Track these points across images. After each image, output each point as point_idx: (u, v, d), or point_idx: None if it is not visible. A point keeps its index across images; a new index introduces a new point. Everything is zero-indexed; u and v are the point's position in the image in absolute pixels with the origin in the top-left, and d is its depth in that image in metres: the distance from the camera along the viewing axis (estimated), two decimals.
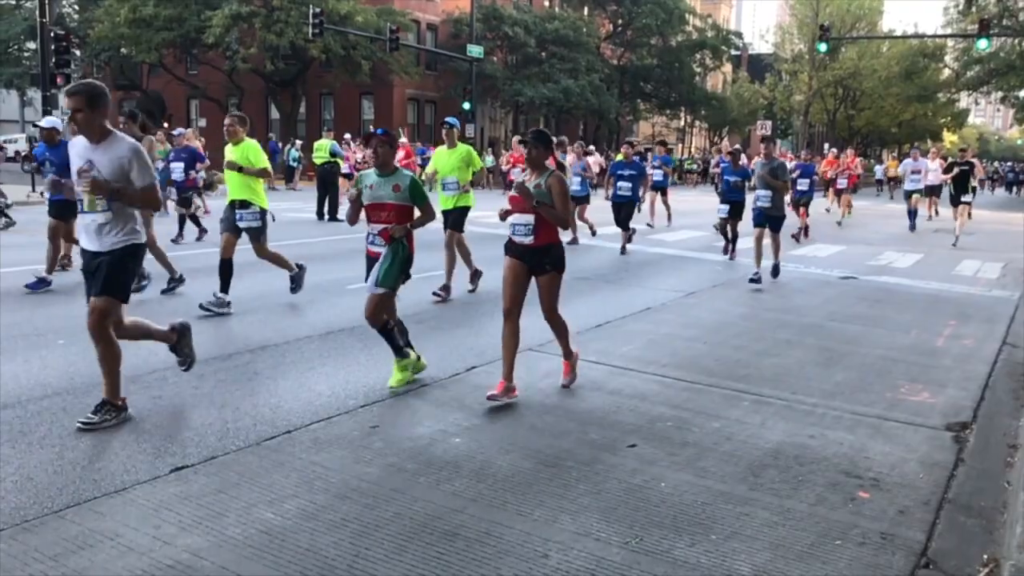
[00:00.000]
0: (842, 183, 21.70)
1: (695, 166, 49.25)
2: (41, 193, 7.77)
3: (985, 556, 3.62)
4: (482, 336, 7.41)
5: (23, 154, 34.31)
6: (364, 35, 34.80)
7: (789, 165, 18.06)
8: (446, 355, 6.69)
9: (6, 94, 48.57)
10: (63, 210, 8.62)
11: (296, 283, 8.69)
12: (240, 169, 8.03)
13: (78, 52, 37.91)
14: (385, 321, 5.67)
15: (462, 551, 3.51)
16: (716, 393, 5.92)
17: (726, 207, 12.99)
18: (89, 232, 4.81)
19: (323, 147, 19.07)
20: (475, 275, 9.57)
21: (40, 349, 6.39)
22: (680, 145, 64.08)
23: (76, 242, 8.82)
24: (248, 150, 8.18)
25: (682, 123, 61.91)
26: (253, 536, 3.58)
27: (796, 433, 5.14)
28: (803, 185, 16.66)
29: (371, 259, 5.69)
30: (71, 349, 6.28)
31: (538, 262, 5.51)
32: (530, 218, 5.42)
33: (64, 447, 4.51)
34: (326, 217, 17.72)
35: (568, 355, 5.92)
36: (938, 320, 9.04)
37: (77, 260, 8.43)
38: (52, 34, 24.01)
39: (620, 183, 13.77)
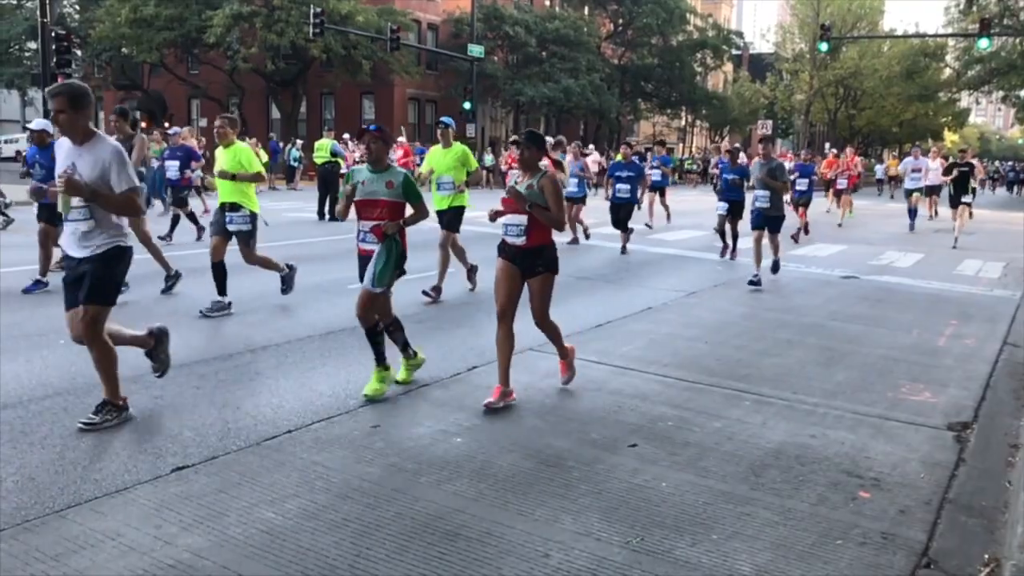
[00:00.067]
0: (842, 184, 21.42)
1: (695, 166, 49.24)
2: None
3: (986, 556, 3.62)
4: (483, 336, 7.40)
5: (24, 154, 34.31)
6: (365, 35, 34.81)
7: (788, 165, 18.05)
8: (447, 355, 6.69)
9: (7, 94, 48.64)
10: (53, 214, 8.60)
11: (287, 284, 8.57)
12: (234, 177, 7.92)
13: (79, 52, 37.89)
14: (375, 323, 5.58)
15: (463, 551, 3.51)
16: (717, 393, 5.92)
17: (725, 205, 12.93)
18: (73, 239, 4.71)
19: (324, 147, 19.08)
20: (471, 271, 9.51)
21: (41, 349, 6.39)
22: (681, 145, 64.08)
23: None
24: (241, 154, 8.08)
25: (683, 123, 61.88)
26: (254, 536, 3.58)
27: (797, 433, 5.14)
28: (802, 185, 16.60)
29: (363, 258, 5.54)
30: (72, 349, 6.26)
31: (530, 264, 5.46)
32: (523, 219, 5.38)
33: (65, 447, 4.51)
34: (327, 217, 17.71)
35: (564, 354, 5.88)
36: (939, 320, 9.03)
37: None
38: (53, 34, 24.03)
39: (618, 184, 13.74)
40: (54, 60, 23.67)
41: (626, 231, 13.70)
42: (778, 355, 7.14)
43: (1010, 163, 63.42)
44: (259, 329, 7.44)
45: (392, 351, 5.81)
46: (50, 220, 8.73)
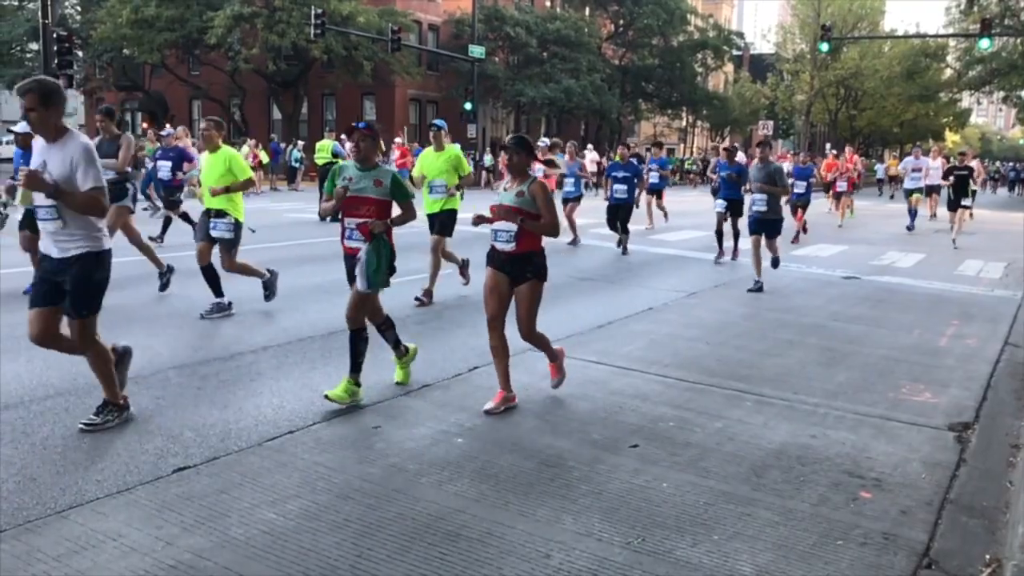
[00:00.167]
0: (841, 186, 21.13)
1: (695, 166, 49.21)
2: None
3: (987, 556, 3.62)
4: (483, 336, 7.34)
5: None
6: (366, 36, 34.82)
7: (787, 166, 17.98)
8: (448, 355, 6.69)
9: (8, 95, 48.62)
10: (35, 222, 8.49)
11: (269, 290, 8.34)
12: (227, 190, 7.78)
13: (80, 53, 38.00)
14: (363, 326, 5.47)
15: (464, 551, 3.52)
16: (718, 393, 5.92)
17: (723, 203, 12.86)
18: (49, 239, 4.63)
19: (325, 147, 19.09)
20: (463, 267, 9.39)
21: (43, 349, 6.38)
22: (682, 145, 64.07)
23: None
24: (230, 161, 7.87)
25: (684, 123, 61.87)
26: (255, 536, 3.58)
27: (798, 433, 5.14)
28: (800, 188, 16.43)
29: (348, 257, 5.42)
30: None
31: (519, 270, 5.34)
32: (513, 224, 5.27)
33: (67, 447, 4.51)
34: (328, 218, 17.69)
35: (553, 357, 5.74)
36: (941, 320, 9.03)
37: None
38: (54, 35, 24.06)
39: (616, 185, 13.70)
40: (55, 61, 23.69)
41: (625, 232, 13.68)
42: (779, 355, 7.14)
43: (1011, 163, 63.35)
44: (260, 329, 7.44)
45: (385, 353, 5.81)
46: (32, 227, 8.64)
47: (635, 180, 13.94)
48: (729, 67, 63.36)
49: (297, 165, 30.02)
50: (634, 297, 9.75)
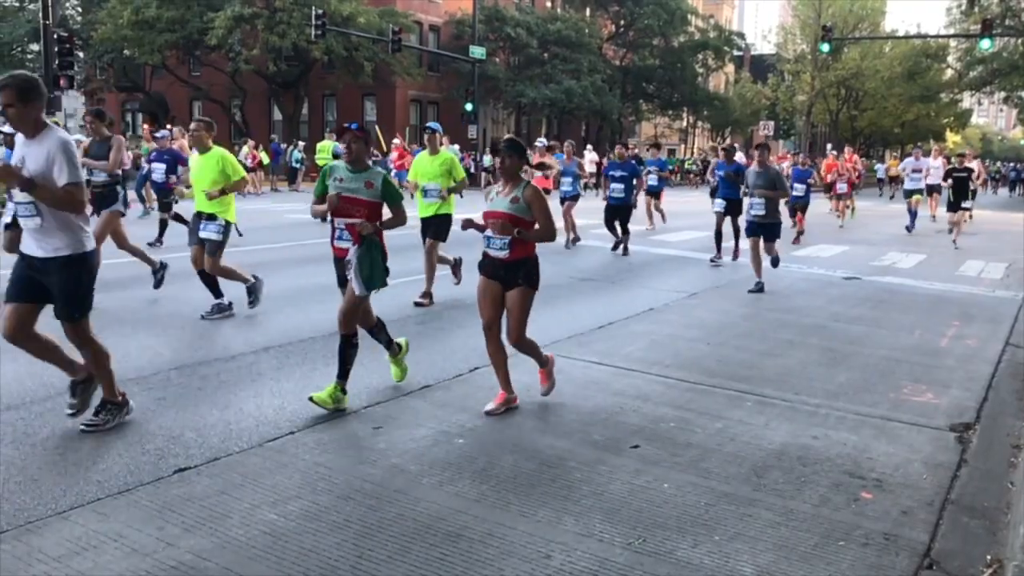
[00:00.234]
0: (841, 187, 20.96)
1: (695, 166, 49.20)
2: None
3: (988, 557, 3.62)
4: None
5: None
6: (366, 36, 34.82)
7: (786, 166, 17.91)
8: (448, 356, 6.70)
9: None
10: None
11: (253, 295, 8.11)
12: (223, 192, 7.70)
13: (81, 54, 38.00)
14: (355, 332, 5.40)
15: (465, 552, 3.51)
16: (719, 394, 5.91)
17: (722, 203, 12.77)
18: (31, 238, 4.55)
19: (326, 148, 19.13)
20: (456, 266, 9.27)
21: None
22: (683, 146, 64.07)
23: None
24: (223, 161, 7.79)
25: (684, 124, 61.88)
26: (256, 537, 3.58)
27: (799, 434, 5.13)
28: (799, 191, 16.30)
29: (339, 260, 5.34)
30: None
31: (511, 277, 5.28)
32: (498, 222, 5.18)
33: (68, 448, 4.52)
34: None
35: (544, 363, 5.64)
36: (941, 321, 9.02)
37: None
38: (55, 36, 24.09)
39: (613, 184, 13.63)
40: (56, 62, 23.72)
41: (626, 232, 13.63)
42: (780, 356, 7.13)
43: (1012, 163, 63.31)
44: (261, 330, 7.44)
45: (376, 357, 5.81)
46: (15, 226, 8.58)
47: (633, 179, 13.81)
48: (730, 68, 63.36)
49: (298, 166, 30.04)
50: (635, 298, 9.75)
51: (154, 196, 14.42)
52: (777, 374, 6.52)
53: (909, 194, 19.83)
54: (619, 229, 13.59)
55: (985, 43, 33.18)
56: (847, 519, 3.97)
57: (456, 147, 30.12)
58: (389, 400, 5.54)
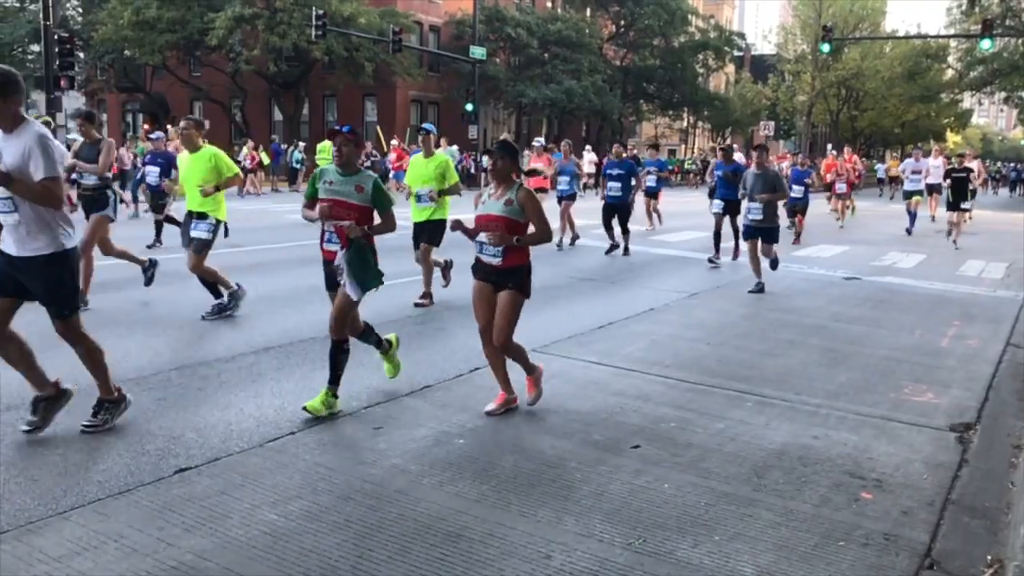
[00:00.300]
0: (841, 187, 20.84)
1: (694, 166, 49.19)
2: None
3: (989, 557, 3.62)
4: None
5: None
6: (367, 37, 34.83)
7: (784, 166, 17.83)
8: (449, 356, 6.70)
9: None
10: None
11: (233, 301, 7.88)
12: (217, 189, 7.63)
13: (82, 55, 38.02)
14: (345, 338, 5.31)
15: (465, 552, 3.51)
16: (719, 394, 5.91)
17: (720, 203, 12.70)
18: (10, 236, 4.48)
19: (326, 149, 19.12)
20: (446, 268, 9.19)
21: (43, 351, 6.37)
22: (683, 146, 64.09)
23: None
24: (217, 160, 7.69)
25: (685, 124, 61.90)
26: (257, 537, 3.59)
27: (800, 434, 5.13)
28: (797, 192, 16.14)
29: (328, 262, 5.25)
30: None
31: (503, 282, 5.23)
32: (488, 235, 5.13)
33: (68, 448, 4.52)
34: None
35: (531, 370, 5.49)
36: (942, 321, 9.02)
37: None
38: (56, 37, 24.11)
39: (610, 183, 13.57)
40: (57, 63, 23.74)
41: (626, 232, 13.57)
42: (780, 356, 7.13)
43: (1012, 163, 63.29)
44: (262, 330, 7.44)
45: (376, 357, 5.81)
46: None
47: (630, 178, 13.70)
48: (730, 68, 63.34)
49: (298, 166, 30.06)
50: (635, 298, 9.75)
51: (142, 198, 14.31)
52: (777, 374, 6.52)
53: (908, 195, 19.71)
54: (618, 229, 13.48)
55: (985, 43, 33.17)
56: (847, 519, 3.97)
57: (455, 148, 30.15)
58: (389, 400, 5.54)
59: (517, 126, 46.23)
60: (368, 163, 31.18)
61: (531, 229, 5.27)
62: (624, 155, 14.58)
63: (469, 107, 35.64)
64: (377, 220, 5.28)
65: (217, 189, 7.69)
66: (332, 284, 5.31)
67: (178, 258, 9.71)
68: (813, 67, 53.49)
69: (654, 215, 18.08)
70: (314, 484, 4.15)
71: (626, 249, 13.53)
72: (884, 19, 62.33)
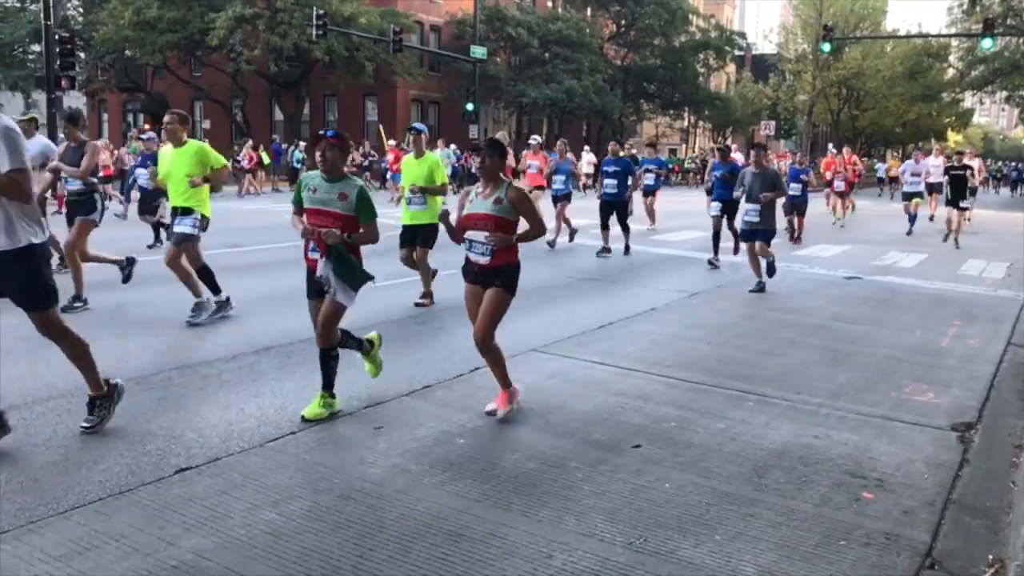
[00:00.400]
0: (839, 186, 20.78)
1: (693, 165, 49.16)
2: None
3: (990, 557, 3.62)
4: None
5: None
6: (367, 36, 34.84)
7: (783, 165, 17.78)
8: (449, 355, 6.70)
9: (11, 96, 48.79)
10: None
11: (198, 312, 7.67)
12: (207, 180, 7.56)
13: (82, 55, 38.04)
14: (334, 345, 5.24)
15: (466, 552, 3.51)
16: (720, 394, 5.91)
17: (718, 205, 12.65)
18: None
19: None
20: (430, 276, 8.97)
21: (44, 350, 6.37)
22: (684, 146, 64.09)
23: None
24: (201, 153, 7.59)
25: (686, 124, 61.90)
26: (257, 537, 3.59)
27: (801, 434, 5.13)
28: (795, 189, 15.98)
29: (312, 271, 5.09)
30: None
31: (490, 280, 5.19)
32: (488, 235, 5.08)
33: (69, 448, 4.52)
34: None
35: (506, 384, 5.31)
36: (943, 320, 9.02)
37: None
38: (56, 37, 24.11)
39: (606, 180, 13.51)
40: (58, 63, 23.75)
41: (625, 229, 13.51)
42: (781, 356, 7.13)
43: (1013, 163, 63.25)
44: (263, 330, 7.44)
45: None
46: None
47: (627, 175, 13.60)
48: (731, 67, 63.33)
49: (299, 166, 30.04)
50: (636, 297, 9.75)
51: (135, 196, 14.19)
52: (778, 374, 6.51)
53: (908, 198, 19.51)
54: (617, 228, 13.37)
55: (987, 42, 33.16)
56: (848, 519, 3.96)
57: (453, 147, 30.12)
58: (390, 400, 5.54)
59: (518, 126, 46.23)
60: (367, 163, 31.24)
61: (524, 227, 5.25)
62: (621, 153, 14.55)
63: (470, 107, 35.65)
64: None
65: (206, 180, 7.60)
66: (314, 292, 5.17)
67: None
68: (814, 66, 53.47)
69: (656, 210, 18.06)
70: (315, 484, 4.15)
71: (627, 248, 13.51)
72: (885, 18, 62.34)
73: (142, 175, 13.10)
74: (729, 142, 53.57)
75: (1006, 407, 5.93)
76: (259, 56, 34.60)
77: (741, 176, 10.67)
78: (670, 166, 40.99)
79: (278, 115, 41.61)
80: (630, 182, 13.88)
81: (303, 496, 4.00)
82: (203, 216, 7.69)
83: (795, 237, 16.18)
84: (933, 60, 57.54)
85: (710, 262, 12.60)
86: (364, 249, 5.20)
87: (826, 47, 35.65)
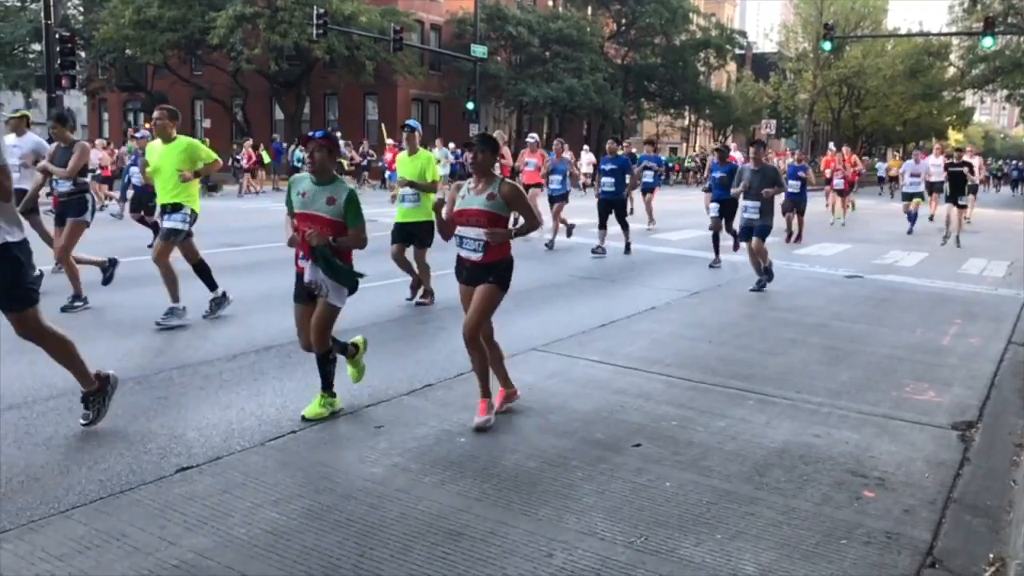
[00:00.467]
0: (838, 184, 20.73)
1: (693, 164, 49.16)
2: None
3: (991, 555, 3.62)
4: None
5: None
6: (368, 35, 34.83)
7: (781, 163, 17.75)
8: (450, 355, 6.69)
9: (11, 95, 48.80)
10: None
11: (170, 315, 7.44)
12: (197, 175, 7.51)
13: (83, 54, 38.03)
14: (330, 348, 5.19)
15: (467, 551, 3.51)
16: (721, 392, 5.91)
17: (716, 206, 12.57)
18: None
19: None
20: (415, 287, 8.90)
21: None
22: (685, 144, 64.08)
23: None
24: (191, 148, 7.49)
25: (686, 122, 61.90)
26: (258, 536, 3.59)
27: (801, 432, 5.13)
28: (793, 187, 15.89)
29: (300, 276, 5.04)
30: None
31: (483, 276, 5.12)
32: (480, 232, 5.02)
33: (70, 447, 4.52)
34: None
35: (487, 394, 5.18)
36: (944, 319, 9.01)
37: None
38: (57, 36, 24.10)
39: (604, 178, 13.47)
40: (58, 62, 23.75)
41: (625, 228, 13.48)
42: (782, 355, 7.13)
43: (1013, 161, 63.20)
44: (263, 329, 7.44)
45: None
46: None
47: (624, 173, 13.53)
48: (732, 66, 63.33)
49: (299, 165, 29.97)
50: (636, 296, 9.75)
51: (130, 195, 14.16)
52: (779, 373, 6.51)
53: (907, 198, 19.44)
54: (616, 227, 13.35)
55: (987, 41, 33.10)
56: (849, 517, 3.96)
57: (451, 146, 30.10)
58: (391, 399, 5.54)
59: (518, 124, 46.23)
60: (366, 163, 31.23)
61: (518, 222, 5.23)
62: (619, 151, 14.52)
63: (470, 106, 35.64)
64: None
65: (197, 175, 7.54)
66: (302, 296, 5.11)
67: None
68: (815, 65, 53.46)
69: (656, 208, 18.05)
70: (316, 483, 4.15)
71: (627, 246, 13.49)
72: (886, 17, 62.31)
73: (135, 174, 13.03)
74: (729, 141, 53.62)
75: (1007, 406, 5.93)
76: (259, 55, 34.61)
77: (740, 172, 10.64)
78: (669, 164, 40.96)
79: (279, 114, 41.62)
80: (628, 180, 13.85)
81: (304, 495, 4.00)
82: (192, 211, 7.61)
83: (794, 238, 16.15)
84: (934, 59, 57.52)
85: (711, 265, 12.58)
86: (360, 250, 5.18)
87: (827, 46, 35.59)
